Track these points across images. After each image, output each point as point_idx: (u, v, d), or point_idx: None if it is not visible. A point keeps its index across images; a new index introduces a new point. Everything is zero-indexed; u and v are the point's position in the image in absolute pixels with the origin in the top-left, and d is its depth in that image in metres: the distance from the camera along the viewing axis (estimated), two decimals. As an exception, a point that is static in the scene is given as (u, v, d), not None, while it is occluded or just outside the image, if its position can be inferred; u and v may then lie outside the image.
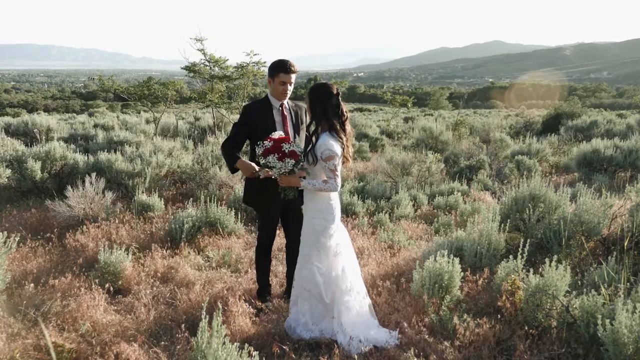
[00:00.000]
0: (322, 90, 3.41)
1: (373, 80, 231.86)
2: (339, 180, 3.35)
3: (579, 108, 19.28)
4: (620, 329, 2.66)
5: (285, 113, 3.87)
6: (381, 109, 49.08)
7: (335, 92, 3.39)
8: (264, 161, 3.36)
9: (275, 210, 3.96)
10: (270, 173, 3.41)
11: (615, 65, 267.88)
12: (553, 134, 13.67)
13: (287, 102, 3.91)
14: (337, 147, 3.32)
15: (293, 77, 3.76)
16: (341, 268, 3.47)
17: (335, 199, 3.50)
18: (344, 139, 3.39)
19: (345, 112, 3.44)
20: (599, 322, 2.75)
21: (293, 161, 3.33)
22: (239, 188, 6.83)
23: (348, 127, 3.44)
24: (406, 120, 25.19)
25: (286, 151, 3.32)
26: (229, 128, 15.30)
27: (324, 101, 3.37)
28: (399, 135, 17.74)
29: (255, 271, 4.28)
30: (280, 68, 3.70)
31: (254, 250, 5.11)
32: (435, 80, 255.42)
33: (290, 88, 3.79)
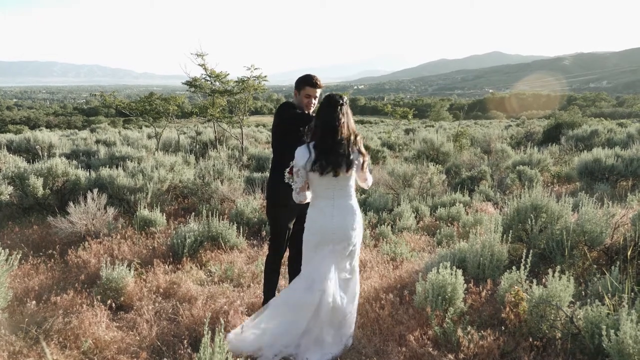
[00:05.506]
0: (321, 102, 3.44)
1: (374, 93, 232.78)
2: (296, 190, 3.38)
3: (580, 117, 19.31)
4: (625, 339, 2.64)
5: None
6: (382, 121, 49.29)
7: (329, 103, 3.35)
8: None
9: (289, 221, 4.00)
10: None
11: (615, 75, 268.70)
12: (554, 144, 13.68)
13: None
14: (298, 158, 3.32)
15: (318, 91, 3.91)
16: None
17: (316, 211, 3.42)
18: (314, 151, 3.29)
19: (333, 124, 3.29)
20: (604, 332, 2.73)
21: (288, 175, 3.45)
22: (241, 202, 6.84)
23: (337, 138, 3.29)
24: (407, 132, 25.25)
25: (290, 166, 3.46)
26: (230, 142, 15.40)
27: (317, 113, 3.43)
28: (400, 147, 17.77)
29: (260, 284, 4.28)
30: (307, 82, 3.87)
31: (256, 264, 5.12)
32: (436, 91, 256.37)
33: (315, 102, 3.92)
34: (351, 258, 3.49)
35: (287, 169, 3.48)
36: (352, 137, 3.33)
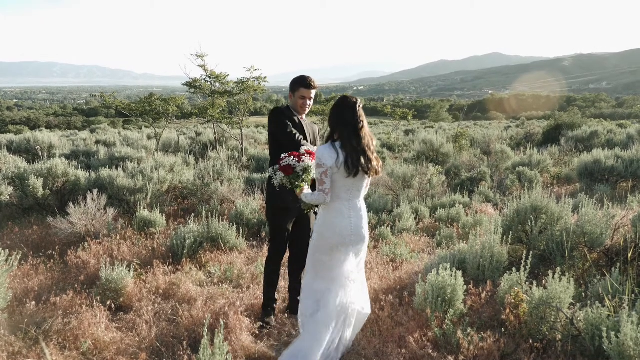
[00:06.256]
0: (337, 102, 3.35)
1: (373, 94, 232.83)
2: (324, 190, 3.17)
3: (579, 118, 19.31)
4: (625, 341, 2.64)
5: (304, 126, 3.99)
6: (382, 122, 49.21)
7: (348, 103, 3.28)
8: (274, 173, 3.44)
9: (289, 222, 4.01)
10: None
11: (615, 76, 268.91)
12: (554, 145, 13.69)
13: (305, 118, 4.03)
14: (325, 158, 3.15)
15: (313, 92, 3.90)
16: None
17: (333, 213, 3.28)
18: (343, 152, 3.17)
19: (356, 126, 3.23)
20: (604, 334, 2.72)
21: (282, 174, 3.33)
22: (240, 203, 6.83)
23: (361, 139, 3.22)
24: (407, 133, 25.24)
25: (281, 164, 3.35)
26: (230, 143, 15.39)
27: (335, 113, 3.29)
28: (400, 148, 17.76)
29: (261, 285, 4.28)
30: (301, 83, 3.87)
31: (255, 265, 5.12)
32: (435, 92, 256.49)
33: (310, 103, 3.93)
34: (364, 256, 3.49)
35: (278, 166, 3.34)
36: (373, 140, 3.31)
